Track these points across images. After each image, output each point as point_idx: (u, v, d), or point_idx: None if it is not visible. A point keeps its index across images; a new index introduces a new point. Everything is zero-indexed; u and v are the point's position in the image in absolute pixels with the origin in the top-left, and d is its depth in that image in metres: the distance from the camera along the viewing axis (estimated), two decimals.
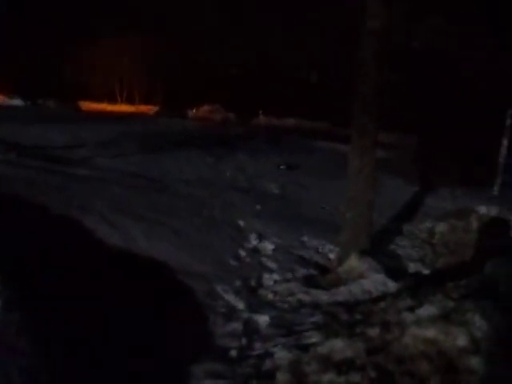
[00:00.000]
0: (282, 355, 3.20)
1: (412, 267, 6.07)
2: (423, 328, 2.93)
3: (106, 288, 4.06)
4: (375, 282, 4.77)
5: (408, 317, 3.22)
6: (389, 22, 5.14)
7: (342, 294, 4.57)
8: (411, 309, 3.36)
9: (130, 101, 47.07)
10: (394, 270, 5.37)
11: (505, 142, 12.84)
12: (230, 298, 4.46)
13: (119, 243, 5.05)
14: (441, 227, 7.40)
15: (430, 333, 2.86)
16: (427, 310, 3.18)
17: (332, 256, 5.93)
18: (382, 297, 4.30)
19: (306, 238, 6.43)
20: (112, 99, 46.94)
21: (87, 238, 5.03)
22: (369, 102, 5.12)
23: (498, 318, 2.95)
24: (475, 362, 2.66)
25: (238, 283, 4.79)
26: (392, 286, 4.75)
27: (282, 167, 11.98)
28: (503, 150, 12.86)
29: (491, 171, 12.74)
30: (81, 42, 39.01)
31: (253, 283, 4.90)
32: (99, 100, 43.59)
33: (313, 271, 5.43)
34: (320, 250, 6.15)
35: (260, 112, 34.08)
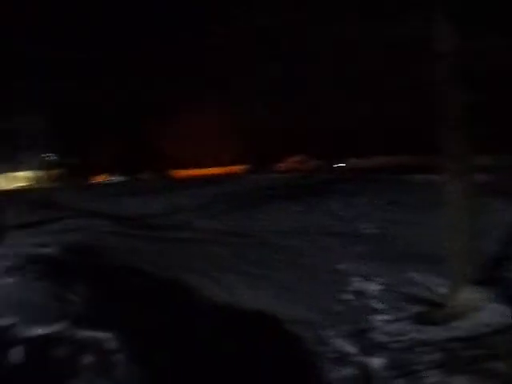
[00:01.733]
0: None
1: None
2: None
3: (217, 343, 4.15)
4: (493, 313, 4.46)
5: None
6: (458, 45, 5.04)
7: (458, 329, 4.30)
8: None
9: (219, 163, 48.91)
10: (509, 298, 4.98)
11: None
12: (340, 342, 4.36)
13: (225, 298, 5.19)
14: None
15: None
16: None
17: (441, 290, 5.61)
18: (504, 328, 4.00)
19: (411, 275, 6.18)
20: (203, 164, 49.05)
21: (194, 296, 5.23)
22: (453, 125, 4.97)
23: None
24: None
25: (346, 327, 4.68)
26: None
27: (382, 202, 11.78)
28: None
29: None
30: (169, 117, 41.58)
31: (362, 326, 4.76)
32: (191, 166, 45.74)
33: (423, 308, 5.17)
34: (428, 286, 5.86)
35: (348, 156, 33.94)
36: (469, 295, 4.83)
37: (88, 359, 3.20)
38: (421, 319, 4.74)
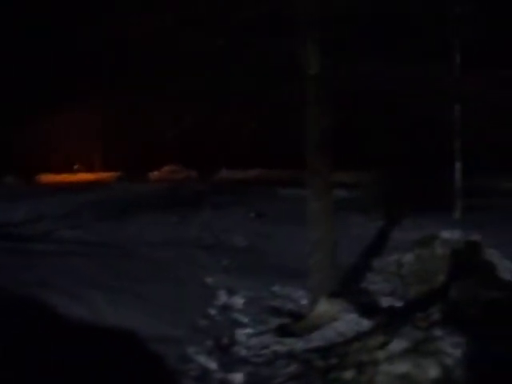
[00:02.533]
0: None
1: (384, 302, 6.06)
2: (395, 364, 2.90)
3: (71, 365, 3.88)
4: (348, 322, 4.73)
5: (380, 354, 3.18)
6: (326, 69, 5.35)
7: (316, 339, 4.50)
8: (383, 345, 3.33)
9: (89, 169, 46.79)
10: (367, 308, 5.34)
11: (458, 166, 13.31)
12: (202, 359, 4.32)
13: (84, 316, 4.88)
14: (407, 258, 7.46)
15: (402, 368, 2.83)
16: (398, 345, 3.15)
17: (304, 302, 5.87)
18: (356, 337, 4.26)
19: (276, 288, 6.37)
20: (71, 169, 46.58)
21: (49, 314, 4.85)
22: (318, 143, 5.23)
23: (469, 344, 2.94)
24: None
25: (209, 343, 4.66)
26: (366, 324, 4.71)
27: (251, 215, 12.04)
28: (458, 174, 13.31)
29: (450, 196, 13.09)
30: (32, 117, 38.86)
31: (225, 341, 4.77)
32: (58, 171, 43.17)
33: (286, 320, 5.34)
34: (291, 298, 6.09)
35: (222, 167, 34.35)
36: (327, 306, 5.09)
37: None
38: (282, 332, 4.88)
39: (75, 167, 47.33)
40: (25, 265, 6.66)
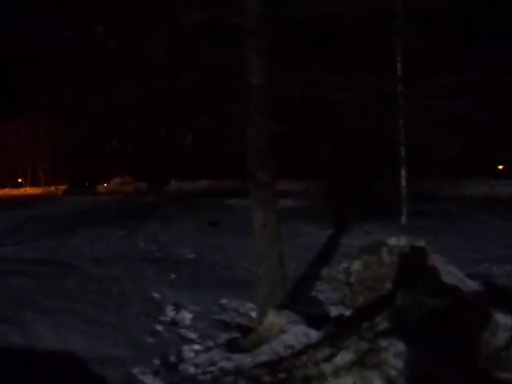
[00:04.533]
0: None
1: (333, 311, 6.06)
2: (341, 378, 2.86)
3: None
4: (296, 334, 4.67)
5: (326, 367, 3.15)
6: (270, 77, 5.32)
7: (264, 353, 4.41)
8: (329, 358, 3.29)
9: (35, 183, 45.30)
10: (316, 318, 5.31)
11: (403, 173, 13.68)
12: (149, 379, 4.17)
13: (20, 341, 4.62)
14: (355, 265, 7.51)
15: (347, 381, 2.79)
16: (343, 357, 3.13)
17: (253, 315, 5.79)
18: (304, 349, 4.20)
19: (225, 301, 6.26)
20: (16, 183, 44.98)
21: None
22: (261, 154, 5.18)
23: (411, 353, 2.95)
24: None
25: (156, 362, 4.50)
26: (314, 335, 4.66)
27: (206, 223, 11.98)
28: (403, 181, 13.67)
29: (396, 202, 13.41)
30: None
31: (172, 359, 4.62)
32: (1, 185, 41.61)
33: (235, 334, 5.24)
34: (240, 311, 5.99)
35: (171, 178, 34.02)
36: (274, 318, 5.02)
37: None
38: (231, 347, 4.77)
39: (20, 180, 45.75)
40: None
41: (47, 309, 5.47)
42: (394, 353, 2.91)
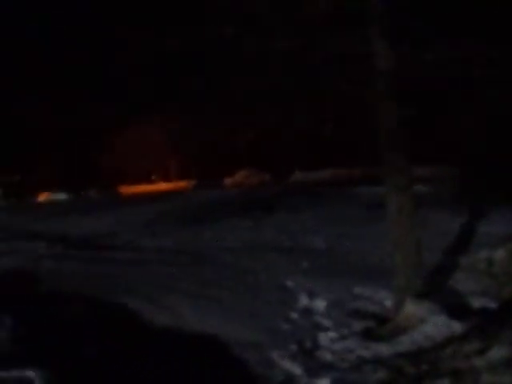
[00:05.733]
0: None
1: (476, 302, 5.66)
2: (498, 374, 2.64)
3: (159, 372, 3.93)
4: (437, 325, 4.46)
5: (479, 362, 2.94)
6: (397, 61, 5.12)
7: (403, 343, 4.28)
8: (481, 352, 3.08)
9: (167, 179, 48.41)
10: (457, 309, 5.02)
11: None
12: (286, 364, 4.24)
13: (167, 322, 4.97)
14: (499, 254, 6.96)
15: (507, 380, 2.57)
16: (499, 352, 2.89)
17: (388, 304, 5.62)
18: (448, 341, 3.99)
19: (358, 289, 6.15)
20: (150, 180, 48.41)
21: (135, 321, 4.98)
22: (393, 138, 5.01)
23: None
24: None
25: (292, 347, 4.56)
26: (457, 327, 4.42)
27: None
28: None
29: None
30: (111, 130, 40.81)
31: (308, 345, 4.66)
32: (137, 182, 45.05)
33: (370, 323, 5.13)
34: (375, 300, 5.85)
35: (295, 169, 34.31)
36: (413, 308, 4.83)
37: None
38: (367, 335, 4.69)
39: (153, 177, 49.23)
40: (110, 273, 6.93)
41: (189, 294, 5.81)
42: None
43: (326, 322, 5.20)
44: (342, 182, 22.86)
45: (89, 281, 6.41)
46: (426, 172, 16.44)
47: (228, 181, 35.74)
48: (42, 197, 38.36)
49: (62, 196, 36.94)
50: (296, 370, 4.12)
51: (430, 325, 4.50)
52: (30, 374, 3.23)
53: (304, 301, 5.81)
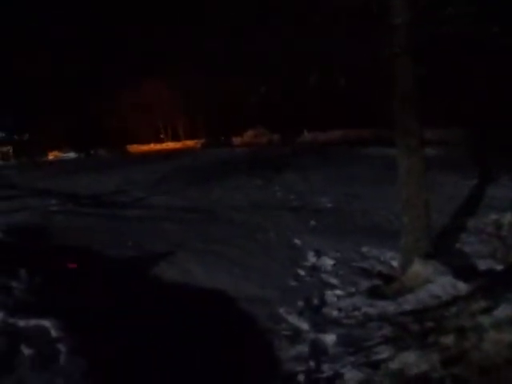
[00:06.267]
0: (352, 375, 3.04)
1: (482, 265, 5.70)
2: (504, 332, 2.69)
3: (167, 325, 4.04)
4: (443, 285, 4.51)
5: (484, 320, 2.99)
6: (412, 18, 4.99)
7: (409, 302, 4.34)
8: (487, 311, 3.13)
9: (175, 138, 48.29)
10: (463, 270, 5.07)
11: None
12: (294, 319, 4.34)
13: (176, 277, 5.08)
14: (508, 218, 6.97)
15: (510, 336, 2.63)
16: (505, 311, 2.94)
17: (394, 264, 5.69)
18: (453, 300, 4.05)
19: (365, 249, 6.22)
20: (158, 139, 48.32)
21: (144, 276, 5.09)
22: (407, 98, 4.94)
23: None
24: None
25: (300, 303, 4.66)
26: (463, 287, 4.47)
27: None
28: None
29: None
30: (119, 92, 40.61)
31: (316, 302, 4.76)
32: (146, 141, 45.01)
33: (376, 282, 5.21)
34: (381, 259, 5.92)
35: (304, 129, 34.04)
36: (420, 268, 4.89)
37: (28, 350, 3.02)
38: (373, 293, 4.76)
39: (161, 136, 49.15)
40: (121, 230, 7.03)
41: (197, 250, 5.91)
42: None
43: (333, 280, 5.29)
44: (351, 142, 22.67)
45: (98, 236, 6.52)
46: (435, 135, 16.26)
47: (236, 140, 35.57)
48: (52, 155, 38.60)
49: (71, 155, 37.17)
50: (303, 325, 4.22)
51: (436, 285, 4.55)
52: (46, 323, 3.35)
53: (312, 259, 5.90)
